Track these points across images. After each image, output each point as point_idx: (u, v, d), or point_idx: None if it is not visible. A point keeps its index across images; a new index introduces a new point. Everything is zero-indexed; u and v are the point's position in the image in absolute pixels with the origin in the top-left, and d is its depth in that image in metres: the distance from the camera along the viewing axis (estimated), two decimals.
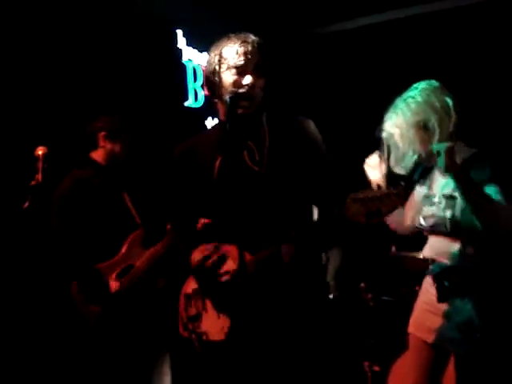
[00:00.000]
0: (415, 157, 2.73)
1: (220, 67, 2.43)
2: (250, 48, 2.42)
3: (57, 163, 2.80)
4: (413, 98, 2.73)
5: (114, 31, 4.22)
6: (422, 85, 2.77)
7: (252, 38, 2.47)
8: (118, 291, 3.15)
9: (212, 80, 2.46)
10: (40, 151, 2.67)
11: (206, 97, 4.90)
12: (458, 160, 2.60)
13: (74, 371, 3.35)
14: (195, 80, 4.89)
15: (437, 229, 2.71)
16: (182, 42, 4.81)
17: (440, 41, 4.95)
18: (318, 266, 2.53)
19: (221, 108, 2.49)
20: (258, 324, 2.34)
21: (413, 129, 2.70)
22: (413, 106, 2.71)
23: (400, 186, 2.12)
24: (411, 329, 2.92)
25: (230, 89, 2.38)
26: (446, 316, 2.71)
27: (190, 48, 4.88)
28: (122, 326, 3.17)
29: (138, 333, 3.22)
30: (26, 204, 2.63)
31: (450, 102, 2.69)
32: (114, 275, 3.20)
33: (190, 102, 4.84)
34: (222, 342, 2.31)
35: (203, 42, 4.97)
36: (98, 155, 3.38)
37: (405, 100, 2.75)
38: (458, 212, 2.63)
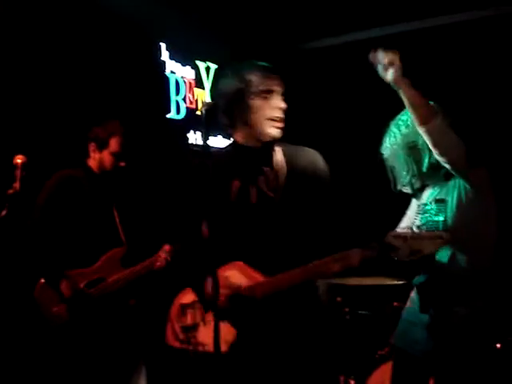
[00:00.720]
0: (408, 177, 2.78)
1: (247, 92, 2.43)
2: (275, 73, 2.49)
3: (35, 172, 2.81)
4: (403, 121, 2.82)
5: (98, 43, 4.24)
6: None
7: (271, 66, 2.52)
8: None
9: (235, 106, 2.46)
10: (18, 160, 2.67)
11: (187, 109, 4.93)
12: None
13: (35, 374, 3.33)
14: (178, 92, 4.91)
15: None
16: (165, 54, 4.84)
17: (426, 58, 4.97)
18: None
19: (241, 132, 2.49)
20: (260, 339, 2.40)
21: (403, 150, 2.78)
22: (403, 128, 2.80)
23: (442, 231, 2.26)
24: (394, 340, 2.94)
25: (264, 112, 2.42)
26: (429, 328, 2.70)
27: (173, 61, 4.90)
28: (87, 335, 3.19)
29: (109, 346, 3.24)
30: (4, 212, 2.63)
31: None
32: (82, 284, 3.23)
33: (172, 114, 4.86)
34: (224, 354, 2.27)
35: (186, 56, 5.01)
36: (91, 163, 3.45)
37: (396, 124, 2.85)
38: (449, 214, 2.66)
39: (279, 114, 2.46)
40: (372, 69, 2.62)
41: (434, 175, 2.77)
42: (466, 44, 4.86)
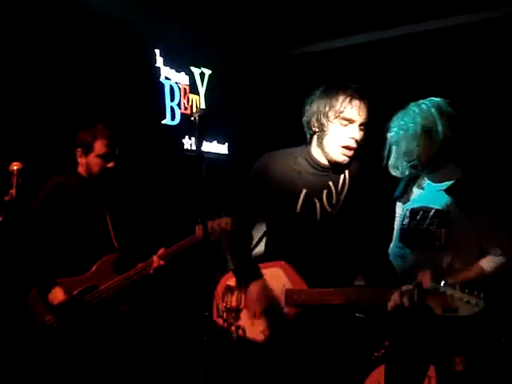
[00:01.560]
0: (414, 160, 2.80)
1: (329, 115, 2.51)
2: (362, 103, 2.53)
3: (31, 179, 2.82)
4: (426, 105, 2.83)
5: (93, 49, 4.25)
6: (438, 99, 2.87)
7: (363, 93, 2.57)
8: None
9: (315, 123, 2.56)
10: (15, 166, 2.68)
11: (182, 115, 4.95)
12: (452, 179, 2.76)
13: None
14: (172, 99, 4.93)
15: (429, 243, 2.76)
16: (159, 61, 4.86)
17: (415, 63, 4.98)
18: None
19: (316, 148, 2.60)
20: (295, 338, 2.49)
21: (418, 131, 2.78)
22: (424, 110, 2.81)
23: (480, 299, 2.26)
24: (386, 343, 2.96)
25: (337, 138, 2.51)
26: (424, 333, 2.74)
27: (168, 67, 4.92)
28: (80, 343, 3.18)
29: (101, 352, 3.23)
30: (0, 219, 2.63)
31: (456, 123, 2.80)
32: (75, 291, 3.22)
33: (166, 120, 4.88)
34: (259, 343, 2.45)
35: (181, 62, 5.03)
36: (80, 169, 3.43)
37: (418, 105, 2.85)
38: (453, 227, 2.71)
39: (352, 144, 2.52)
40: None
41: (430, 167, 2.81)
42: (466, 47, 4.85)
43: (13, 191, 2.64)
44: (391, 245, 2.95)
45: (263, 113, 5.40)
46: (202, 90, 5.23)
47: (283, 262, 2.53)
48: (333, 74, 5.29)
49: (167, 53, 4.88)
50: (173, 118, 4.92)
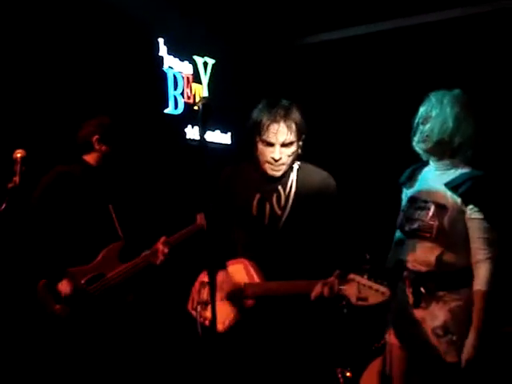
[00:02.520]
0: (438, 138, 2.78)
1: (256, 133, 2.71)
2: (282, 126, 2.67)
3: (35, 166, 2.82)
4: (464, 97, 2.84)
5: (96, 38, 4.24)
6: (465, 97, 2.87)
7: (292, 114, 2.70)
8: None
9: (250, 137, 2.76)
10: (18, 154, 2.67)
11: (185, 104, 4.94)
12: (455, 173, 2.78)
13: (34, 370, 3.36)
14: (175, 87, 4.92)
15: (420, 233, 2.77)
16: (163, 49, 4.84)
17: (423, 53, 4.97)
18: None
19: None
20: (258, 326, 2.71)
21: (453, 115, 2.77)
22: (463, 102, 2.82)
23: (387, 287, 2.38)
24: (386, 335, 2.97)
25: (264, 157, 2.71)
26: (421, 321, 2.76)
27: (171, 56, 4.90)
28: (88, 332, 3.20)
29: (108, 341, 3.26)
30: (3, 207, 2.63)
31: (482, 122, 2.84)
32: (83, 281, 3.24)
33: (169, 109, 4.87)
34: (219, 332, 2.65)
35: (184, 51, 5.01)
36: (90, 158, 3.42)
37: (457, 95, 2.84)
38: (445, 222, 2.72)
39: (274, 162, 2.70)
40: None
41: (441, 154, 2.82)
42: (469, 39, 4.85)
43: (16, 179, 2.64)
44: (396, 230, 2.97)
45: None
46: (205, 79, 5.21)
47: (244, 259, 2.77)
48: (339, 65, 5.38)
49: (170, 42, 4.86)
50: (176, 107, 4.91)
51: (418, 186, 2.90)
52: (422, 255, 2.77)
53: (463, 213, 2.73)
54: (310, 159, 2.86)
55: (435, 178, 2.85)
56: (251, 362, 2.72)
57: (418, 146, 2.87)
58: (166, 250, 3.36)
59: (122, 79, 4.40)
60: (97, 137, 3.39)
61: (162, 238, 3.40)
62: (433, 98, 2.85)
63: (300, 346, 2.71)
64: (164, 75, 4.86)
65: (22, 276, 3.34)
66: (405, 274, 2.82)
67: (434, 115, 2.80)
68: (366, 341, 3.72)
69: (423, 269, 2.76)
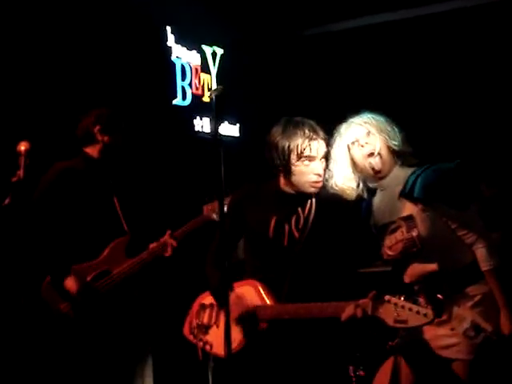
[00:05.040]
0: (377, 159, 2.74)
1: (291, 156, 2.64)
2: (319, 139, 2.67)
3: (39, 159, 2.75)
4: (374, 119, 2.79)
5: (103, 28, 4.17)
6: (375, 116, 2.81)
7: (319, 130, 2.69)
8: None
9: (279, 162, 2.67)
10: (22, 147, 2.61)
11: (193, 95, 4.86)
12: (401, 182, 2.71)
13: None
14: (183, 78, 4.83)
15: (408, 251, 2.70)
16: (171, 39, 4.75)
17: (425, 45, 4.95)
18: None
19: (282, 179, 2.74)
20: (264, 352, 2.64)
21: (378, 145, 2.74)
22: (378, 124, 2.77)
23: (429, 309, 2.32)
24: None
25: (305, 177, 2.66)
26: (448, 326, 2.69)
27: (179, 46, 4.82)
28: (94, 329, 3.15)
29: (116, 338, 3.21)
30: (7, 200, 2.59)
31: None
32: (89, 278, 3.18)
33: (177, 100, 4.78)
34: (223, 357, 2.46)
35: (192, 40, 4.93)
36: (92, 150, 3.35)
37: (368, 119, 2.80)
38: (421, 228, 2.66)
39: (318, 179, 2.68)
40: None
41: (380, 176, 2.77)
42: (475, 30, 4.82)
43: (20, 172, 2.59)
44: None
45: (276, 94, 5.31)
46: (213, 69, 5.13)
47: (254, 281, 2.69)
48: (346, 55, 5.34)
49: (178, 31, 4.77)
50: (184, 97, 4.82)
51: (379, 213, 2.84)
52: (423, 269, 2.73)
53: (432, 212, 2.67)
54: None
55: (386, 197, 2.80)
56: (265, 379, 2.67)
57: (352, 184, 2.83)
58: (175, 243, 3.32)
59: (128, 69, 4.33)
60: (98, 127, 3.32)
61: (168, 232, 3.35)
62: (345, 134, 2.82)
63: (314, 356, 2.64)
64: (172, 65, 4.78)
65: (26, 273, 3.28)
66: (415, 288, 2.76)
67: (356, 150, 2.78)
68: (380, 339, 3.64)
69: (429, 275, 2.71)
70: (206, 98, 4.91)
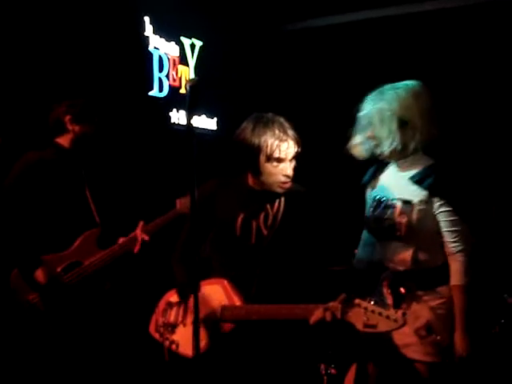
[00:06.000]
0: (394, 145, 2.69)
1: (261, 155, 2.59)
2: (290, 139, 2.60)
3: (11, 149, 2.69)
4: (404, 91, 2.71)
5: (79, 15, 4.08)
6: (414, 85, 2.74)
7: (290, 129, 2.63)
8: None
9: (248, 159, 2.63)
10: None
11: (170, 87, 4.81)
12: (418, 168, 2.69)
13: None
14: (161, 69, 4.78)
15: (391, 232, 2.70)
16: (149, 29, 4.69)
17: (410, 42, 4.96)
18: None
19: (251, 178, 2.70)
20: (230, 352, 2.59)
21: (395, 121, 2.68)
22: (402, 98, 2.69)
23: (401, 311, 2.27)
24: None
25: (274, 177, 2.61)
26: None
27: (158, 36, 4.76)
28: (64, 321, 3.12)
29: (85, 330, 3.18)
30: None
31: (432, 113, 2.70)
32: (59, 269, 3.15)
33: (154, 92, 4.74)
34: (189, 358, 2.48)
35: (171, 31, 4.87)
36: (63, 139, 3.31)
37: (396, 89, 2.73)
38: (414, 218, 2.65)
39: (286, 180, 2.64)
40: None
41: (398, 155, 2.74)
42: (461, 28, 4.84)
43: None
44: (363, 231, 2.90)
45: (255, 89, 5.28)
46: (192, 61, 5.07)
47: (222, 280, 2.64)
48: (325, 51, 5.33)
49: (157, 21, 4.71)
50: (160, 89, 4.77)
51: (383, 185, 2.83)
52: (396, 255, 2.71)
53: (431, 207, 2.66)
54: None
55: (398, 175, 2.78)
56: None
57: (362, 152, 2.81)
58: (146, 238, 3.29)
59: (105, 59, 4.26)
60: (69, 117, 3.28)
61: (140, 224, 3.33)
62: (368, 102, 2.78)
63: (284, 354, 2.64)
64: (149, 56, 4.71)
65: None
66: (383, 274, 2.74)
67: (374, 120, 2.73)
68: (351, 337, 3.63)
69: (400, 268, 2.70)
70: (183, 90, 4.87)
